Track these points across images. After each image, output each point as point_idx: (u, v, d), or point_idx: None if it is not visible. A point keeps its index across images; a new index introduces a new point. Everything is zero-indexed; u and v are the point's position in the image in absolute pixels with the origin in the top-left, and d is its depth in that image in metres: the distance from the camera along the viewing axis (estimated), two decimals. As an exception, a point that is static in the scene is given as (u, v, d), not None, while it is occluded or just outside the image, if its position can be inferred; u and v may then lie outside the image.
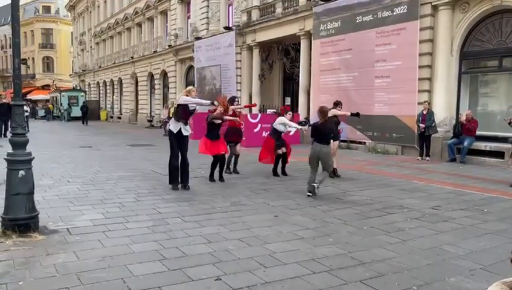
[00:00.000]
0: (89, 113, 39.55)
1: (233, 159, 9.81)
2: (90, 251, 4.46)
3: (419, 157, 12.49)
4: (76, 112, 39.12)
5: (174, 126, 7.92)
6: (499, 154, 11.20)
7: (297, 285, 3.69)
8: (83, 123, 33.68)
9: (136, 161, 12.05)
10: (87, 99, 43.17)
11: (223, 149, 8.89)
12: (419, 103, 12.77)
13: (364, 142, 14.82)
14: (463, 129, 11.67)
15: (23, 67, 43.50)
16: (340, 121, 9.79)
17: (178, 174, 7.96)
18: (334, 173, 9.35)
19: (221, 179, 8.82)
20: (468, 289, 3.62)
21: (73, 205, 6.49)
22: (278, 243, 4.81)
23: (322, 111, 7.57)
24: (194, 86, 25.64)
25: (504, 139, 11.29)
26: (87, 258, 4.24)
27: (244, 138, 10.56)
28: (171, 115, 22.31)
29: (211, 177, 8.81)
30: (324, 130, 7.43)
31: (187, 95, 7.99)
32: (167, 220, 5.69)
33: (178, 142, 7.93)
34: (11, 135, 5.06)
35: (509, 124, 8.81)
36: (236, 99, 10.51)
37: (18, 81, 5.02)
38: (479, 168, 10.84)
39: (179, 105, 8.01)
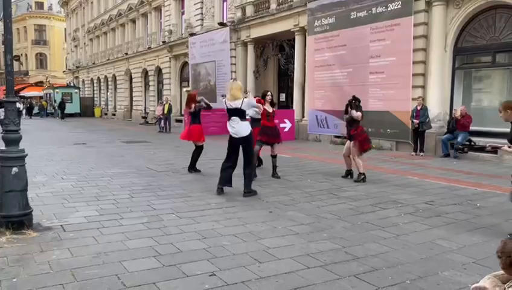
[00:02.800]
0: (83, 110, 39.83)
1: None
2: (85, 248, 4.45)
3: (413, 153, 12.56)
4: (70, 108, 39.08)
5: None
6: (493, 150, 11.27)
7: (291, 280, 3.70)
8: (61, 119, 35.14)
9: (130, 157, 12.02)
10: (81, 96, 43.02)
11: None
12: (413, 99, 12.83)
13: (359, 138, 14.84)
14: (457, 125, 11.73)
15: (16, 63, 43.27)
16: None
17: (225, 176, 7.14)
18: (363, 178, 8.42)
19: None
20: (461, 283, 3.65)
21: (68, 202, 6.47)
22: (272, 239, 4.82)
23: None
24: (188, 83, 25.80)
25: (498, 135, 11.36)
26: (81, 255, 4.23)
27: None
28: (165, 112, 22.41)
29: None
30: None
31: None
32: (162, 217, 5.69)
33: (231, 145, 7.15)
34: (3, 131, 5.02)
35: None
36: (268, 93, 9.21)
37: (10, 77, 4.98)
38: (473, 163, 10.91)
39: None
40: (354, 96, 8.79)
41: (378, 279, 3.74)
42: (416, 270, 3.96)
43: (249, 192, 7.01)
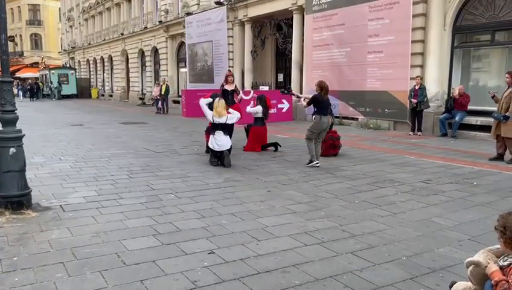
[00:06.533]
0: (79, 91, 39.41)
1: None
2: (84, 227, 4.49)
3: (411, 133, 12.58)
4: (67, 90, 38.77)
5: None
6: (490, 129, 11.28)
7: (289, 257, 3.76)
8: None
9: (128, 138, 12.01)
10: (77, 77, 42.67)
11: None
12: (411, 78, 12.76)
13: (357, 118, 14.86)
14: (455, 104, 11.70)
15: (10, 44, 42.70)
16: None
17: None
18: None
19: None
20: (456, 259, 3.71)
21: (66, 183, 6.49)
22: (270, 217, 4.87)
23: (323, 86, 7.83)
24: (185, 63, 25.58)
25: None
26: (81, 234, 4.27)
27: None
28: (162, 93, 22.30)
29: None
30: (329, 103, 8.02)
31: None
32: (160, 196, 5.72)
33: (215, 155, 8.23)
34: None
35: (492, 97, 8.82)
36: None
37: (5, 57, 4.94)
38: (470, 142, 10.95)
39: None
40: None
41: (375, 256, 3.80)
42: (413, 247, 4.02)
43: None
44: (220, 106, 8.10)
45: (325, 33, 15.83)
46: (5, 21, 4.92)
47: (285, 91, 9.75)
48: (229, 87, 10.07)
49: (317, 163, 7.76)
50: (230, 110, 8.65)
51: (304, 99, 8.48)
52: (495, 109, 8.91)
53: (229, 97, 9.82)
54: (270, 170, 7.57)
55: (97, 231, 4.35)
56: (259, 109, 9.67)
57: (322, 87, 7.78)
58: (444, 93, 12.74)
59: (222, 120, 8.05)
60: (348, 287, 3.23)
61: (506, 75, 8.42)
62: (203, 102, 8.41)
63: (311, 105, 7.95)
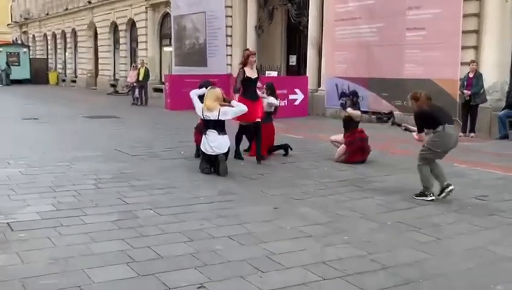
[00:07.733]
0: (33, 75, 39.27)
1: None
2: (38, 252, 4.50)
3: (461, 134, 12.53)
4: (18, 73, 38.82)
5: None
6: None
7: (302, 294, 3.77)
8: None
9: (96, 137, 12.08)
10: (31, 56, 42.79)
11: (260, 114, 8.94)
12: (463, 63, 12.76)
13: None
14: (519, 97, 11.73)
15: None
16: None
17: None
18: None
19: (259, 159, 8.85)
20: (519, 300, 3.71)
21: (15, 194, 6.52)
22: (278, 242, 4.87)
23: (417, 96, 6.89)
24: (170, 40, 25.64)
25: None
26: (34, 261, 4.28)
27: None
28: (140, 78, 22.37)
29: (238, 155, 9.10)
30: (441, 109, 7.05)
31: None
32: (136, 213, 5.74)
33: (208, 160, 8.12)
34: None
35: None
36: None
37: None
38: (538, 147, 10.94)
39: None
40: (353, 91, 9.89)
41: (413, 294, 3.81)
42: (462, 283, 4.02)
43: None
44: (209, 97, 7.93)
45: (351, 4, 15.86)
46: None
47: (386, 118, 9.36)
48: (252, 74, 9.00)
49: (447, 191, 6.53)
50: (233, 102, 8.32)
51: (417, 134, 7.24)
52: None
53: (253, 88, 8.94)
54: (278, 180, 7.59)
55: (55, 257, 4.36)
56: (274, 100, 9.55)
57: (417, 98, 6.80)
58: (504, 84, 12.72)
59: (213, 115, 7.89)
60: (378, 334, 3.23)
61: None
62: (194, 93, 8.35)
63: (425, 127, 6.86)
